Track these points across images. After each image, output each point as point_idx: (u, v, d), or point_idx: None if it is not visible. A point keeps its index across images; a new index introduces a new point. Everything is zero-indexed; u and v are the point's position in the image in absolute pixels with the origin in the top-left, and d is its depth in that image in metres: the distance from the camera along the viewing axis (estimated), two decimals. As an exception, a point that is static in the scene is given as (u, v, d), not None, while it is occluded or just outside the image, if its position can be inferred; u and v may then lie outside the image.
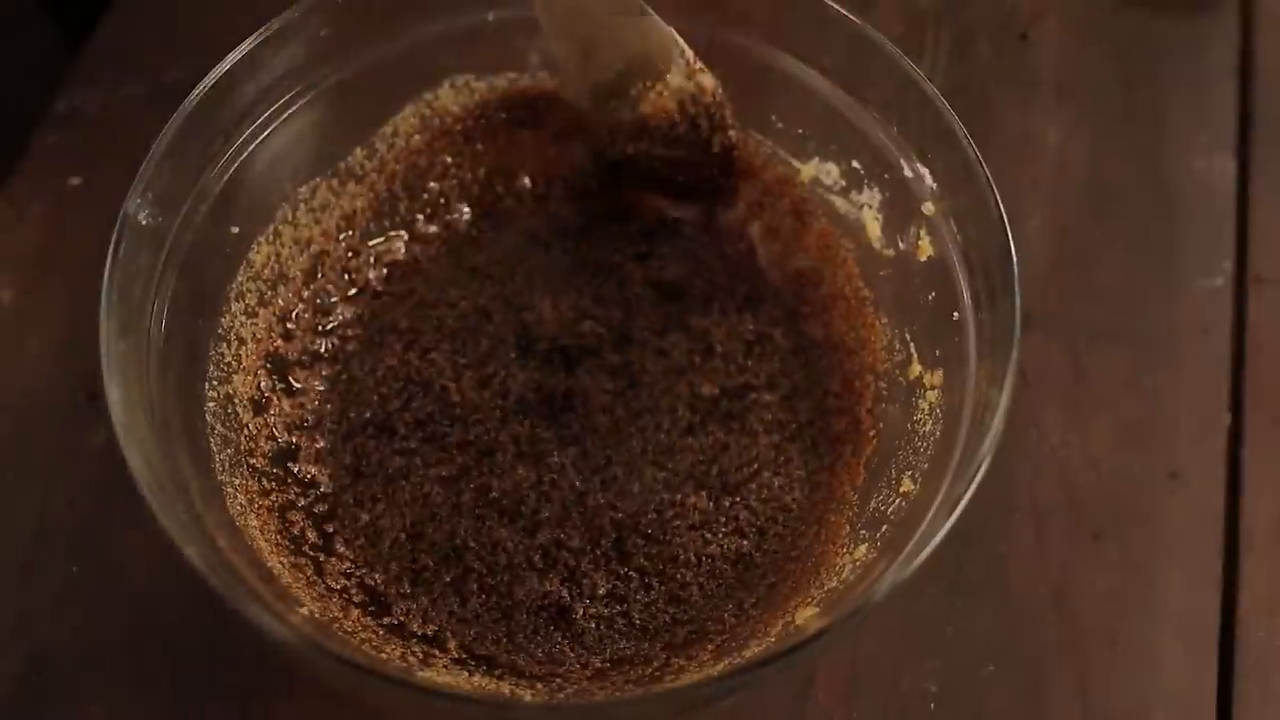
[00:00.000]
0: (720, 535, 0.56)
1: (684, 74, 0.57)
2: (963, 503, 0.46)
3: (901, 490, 0.52)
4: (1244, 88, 0.72)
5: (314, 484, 0.57)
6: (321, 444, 0.57)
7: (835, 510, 0.55)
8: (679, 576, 0.55)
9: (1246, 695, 0.56)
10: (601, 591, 0.54)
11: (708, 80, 0.57)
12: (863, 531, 0.53)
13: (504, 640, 0.53)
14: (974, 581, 0.58)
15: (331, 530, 0.56)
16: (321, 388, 0.58)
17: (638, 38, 0.56)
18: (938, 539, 0.46)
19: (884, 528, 0.51)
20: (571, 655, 0.53)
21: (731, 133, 0.59)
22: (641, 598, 0.54)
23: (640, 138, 0.59)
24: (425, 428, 0.57)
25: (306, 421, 0.58)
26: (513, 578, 0.54)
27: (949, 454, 0.49)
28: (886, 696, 0.55)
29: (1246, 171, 0.69)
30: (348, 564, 0.55)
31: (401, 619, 0.53)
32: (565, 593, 0.54)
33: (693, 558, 0.55)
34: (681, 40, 0.57)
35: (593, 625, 0.53)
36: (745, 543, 0.56)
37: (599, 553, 0.55)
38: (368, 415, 0.58)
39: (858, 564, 0.51)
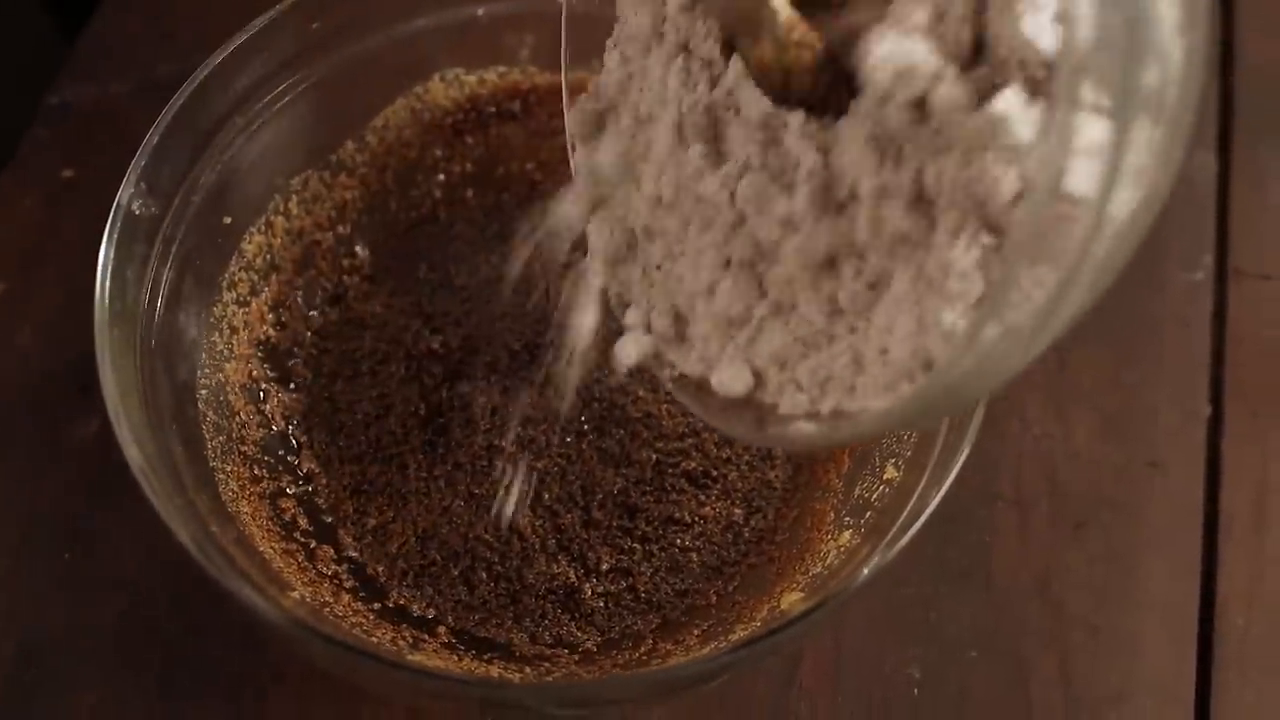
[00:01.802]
0: (713, 497, 0.57)
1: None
2: (944, 488, 0.47)
3: (885, 477, 0.52)
4: (1225, 84, 0.73)
5: (309, 477, 0.57)
6: (315, 448, 0.58)
7: (820, 497, 0.56)
8: (678, 541, 0.56)
9: (1226, 682, 0.56)
10: (606, 566, 0.55)
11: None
12: (847, 518, 0.53)
13: (510, 624, 0.54)
14: (957, 569, 0.59)
15: (331, 521, 0.56)
16: (306, 400, 0.59)
17: None
18: (920, 523, 0.47)
19: (868, 514, 0.52)
20: (580, 635, 0.54)
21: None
22: (645, 568, 0.55)
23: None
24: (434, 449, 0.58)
25: (299, 413, 0.58)
26: (523, 562, 0.55)
27: (932, 442, 0.50)
28: (870, 681, 0.56)
29: (1227, 167, 0.70)
30: (349, 551, 0.55)
31: (400, 603, 0.54)
32: (573, 573, 0.55)
33: (688, 517, 0.56)
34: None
35: (601, 604, 0.54)
36: (736, 510, 0.57)
37: (612, 523, 0.56)
38: (362, 448, 0.58)
39: (842, 549, 0.52)
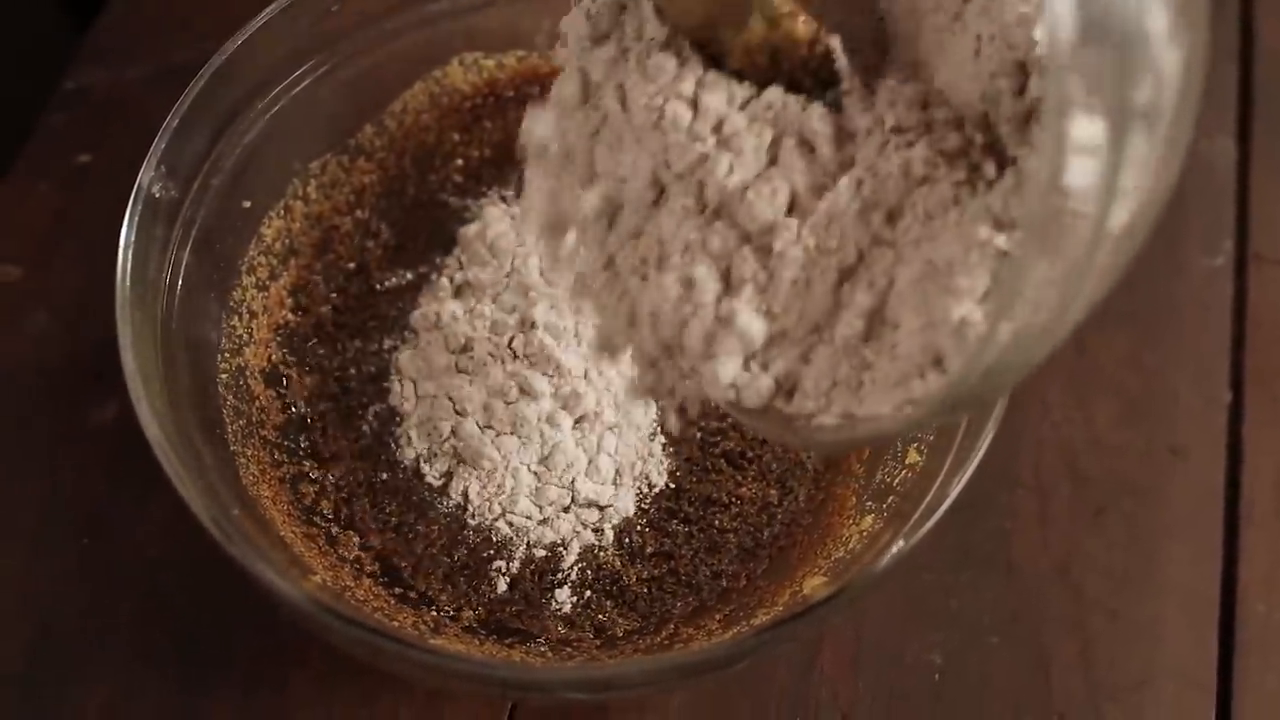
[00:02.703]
0: (749, 478, 0.57)
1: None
2: (967, 474, 0.47)
3: (907, 462, 0.52)
4: (1245, 70, 0.73)
5: (333, 459, 0.57)
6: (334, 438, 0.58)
7: (842, 482, 0.56)
8: (716, 522, 0.56)
9: (1248, 668, 0.56)
10: (650, 550, 0.55)
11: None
12: (869, 503, 0.53)
13: (546, 617, 0.53)
14: (978, 556, 0.58)
15: (353, 514, 0.55)
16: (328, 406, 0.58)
17: None
18: (943, 509, 0.47)
19: (890, 499, 0.52)
20: (621, 622, 0.53)
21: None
22: (686, 550, 0.55)
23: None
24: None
25: (316, 401, 0.58)
26: (568, 553, 0.55)
27: (954, 428, 0.50)
28: (891, 668, 0.56)
29: (1247, 153, 0.70)
30: (372, 541, 0.55)
31: (426, 593, 0.54)
32: (618, 561, 0.55)
33: (725, 497, 0.56)
34: None
35: (645, 590, 0.54)
36: (771, 491, 0.57)
37: (661, 505, 0.56)
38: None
39: (864, 534, 0.52)
